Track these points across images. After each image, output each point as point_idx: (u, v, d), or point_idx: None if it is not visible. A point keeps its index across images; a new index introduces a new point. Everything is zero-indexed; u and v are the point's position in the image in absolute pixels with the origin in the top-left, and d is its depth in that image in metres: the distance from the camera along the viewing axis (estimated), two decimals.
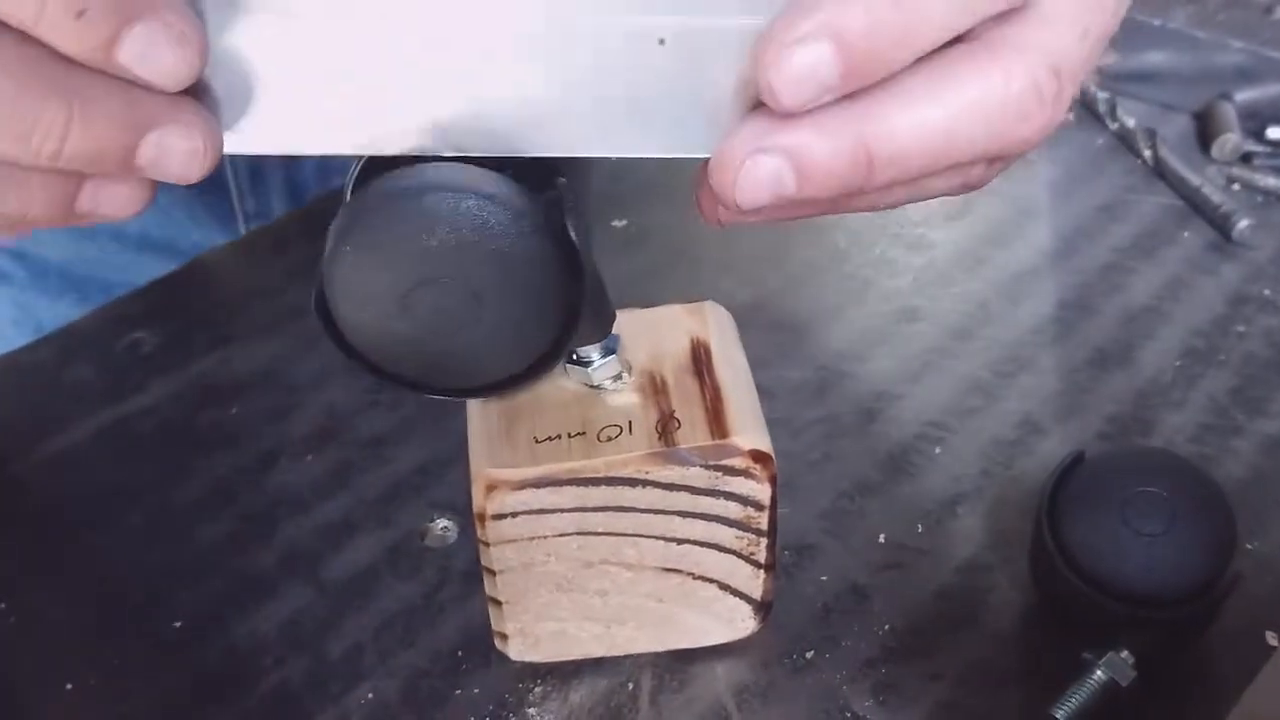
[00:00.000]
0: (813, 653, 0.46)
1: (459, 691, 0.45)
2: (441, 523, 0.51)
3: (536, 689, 0.45)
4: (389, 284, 0.34)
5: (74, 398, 0.59)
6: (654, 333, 0.43)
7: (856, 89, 0.31)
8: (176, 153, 0.31)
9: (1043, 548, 0.44)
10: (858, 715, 0.44)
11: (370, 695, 0.45)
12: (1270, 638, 0.45)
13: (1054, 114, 0.33)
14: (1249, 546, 0.48)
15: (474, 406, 0.42)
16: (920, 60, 0.31)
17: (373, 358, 0.36)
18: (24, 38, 0.29)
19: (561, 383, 0.42)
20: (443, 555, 0.50)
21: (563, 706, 0.45)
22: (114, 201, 0.33)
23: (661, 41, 0.32)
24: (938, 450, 0.53)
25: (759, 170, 0.31)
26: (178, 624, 0.48)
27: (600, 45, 0.32)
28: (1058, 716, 0.41)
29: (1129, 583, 0.42)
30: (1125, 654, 0.42)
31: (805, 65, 0.29)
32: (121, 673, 0.47)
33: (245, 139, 0.34)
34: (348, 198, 0.35)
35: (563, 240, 0.35)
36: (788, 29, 0.30)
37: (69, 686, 0.46)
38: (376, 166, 0.34)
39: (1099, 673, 0.42)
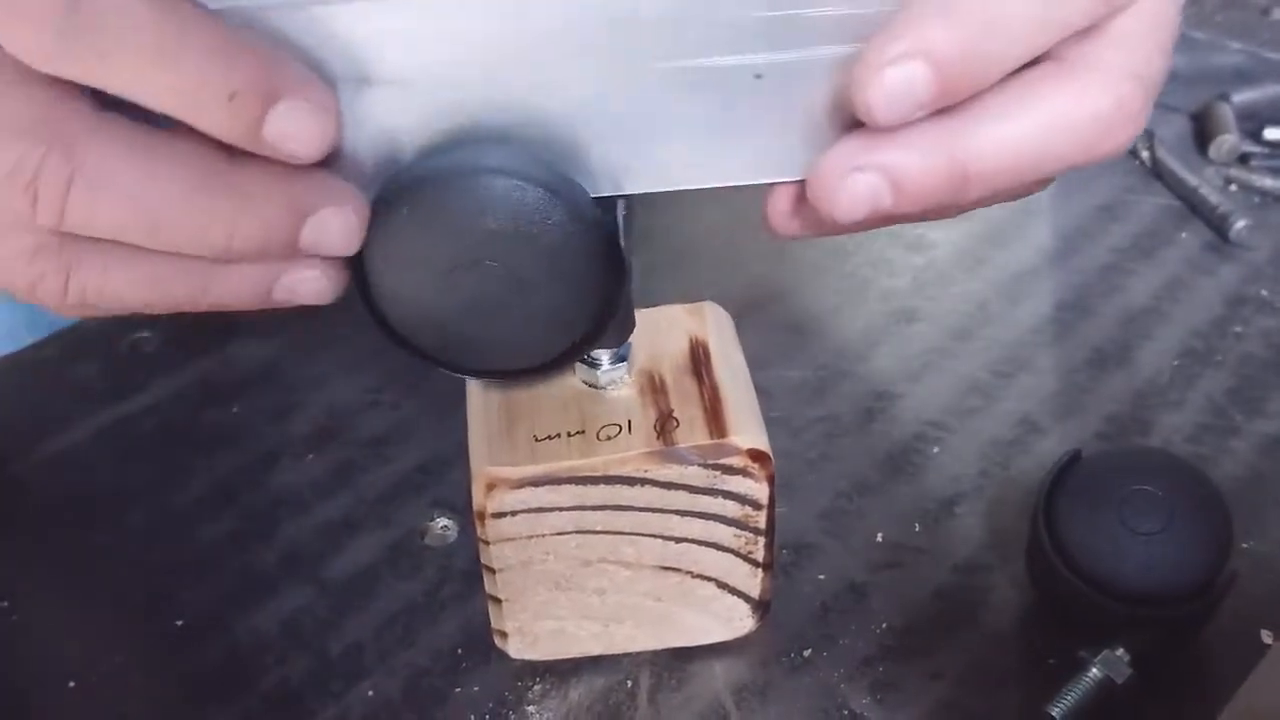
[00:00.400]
0: (811, 651, 0.46)
1: (459, 689, 0.45)
2: (442, 522, 0.51)
3: (536, 687, 0.45)
4: (437, 256, 0.34)
5: (76, 397, 0.59)
6: (653, 332, 0.43)
7: (948, 105, 0.32)
8: (333, 230, 0.33)
9: (1040, 547, 0.44)
10: (856, 714, 0.44)
11: (371, 693, 0.45)
12: (1266, 636, 0.45)
13: (1137, 126, 0.34)
14: (1245, 546, 0.48)
15: (474, 405, 0.43)
16: (1006, 78, 0.32)
17: (399, 326, 0.37)
18: (184, 135, 0.31)
19: (561, 381, 0.42)
20: (443, 554, 0.50)
21: (562, 704, 0.45)
22: (306, 286, 0.35)
23: (758, 76, 0.33)
24: (936, 450, 0.54)
25: (858, 187, 0.33)
26: (179, 622, 0.48)
27: (701, 85, 0.33)
28: (1054, 715, 0.42)
29: (1126, 582, 0.42)
30: (1121, 652, 0.42)
31: (900, 83, 0.31)
32: (124, 671, 0.47)
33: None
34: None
35: (613, 245, 0.35)
36: (882, 50, 0.31)
37: (71, 684, 0.46)
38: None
39: (1095, 671, 0.42)
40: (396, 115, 0.34)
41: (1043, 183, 0.37)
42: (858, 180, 0.33)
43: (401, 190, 0.34)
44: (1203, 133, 0.69)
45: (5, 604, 0.49)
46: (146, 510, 0.53)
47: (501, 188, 0.33)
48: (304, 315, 0.61)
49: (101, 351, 0.61)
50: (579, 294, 0.36)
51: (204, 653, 0.48)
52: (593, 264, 0.35)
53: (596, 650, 0.45)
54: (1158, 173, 0.67)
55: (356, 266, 0.35)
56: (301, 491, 0.53)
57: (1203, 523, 0.43)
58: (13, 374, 0.61)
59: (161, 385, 0.59)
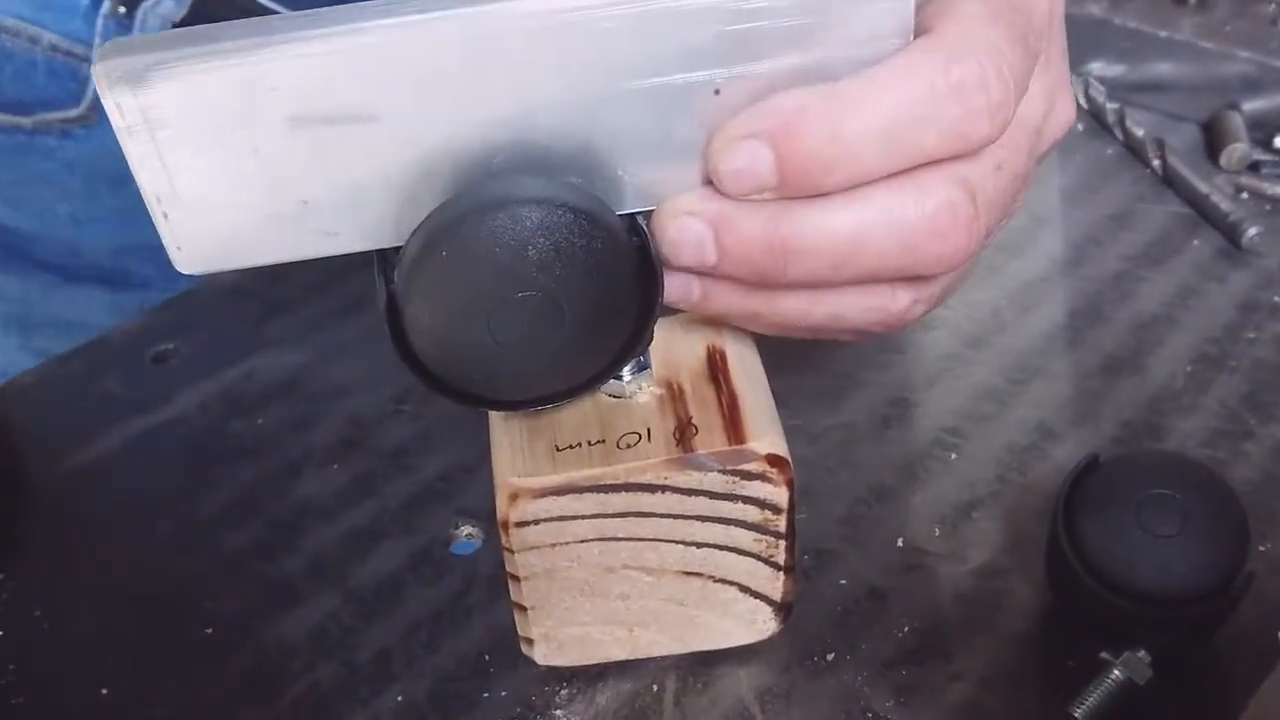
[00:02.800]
0: (833, 655, 0.47)
1: (486, 695, 0.46)
2: (466, 529, 0.52)
3: (562, 691, 0.46)
4: (477, 293, 0.35)
5: (102, 409, 0.60)
6: (671, 340, 0.44)
7: (792, 195, 0.35)
8: None
9: (1059, 550, 0.44)
10: (879, 716, 0.45)
11: (399, 698, 0.46)
12: None
13: (969, 237, 0.36)
14: (1261, 548, 0.48)
15: (495, 417, 0.43)
16: None
17: (436, 368, 0.37)
18: None
19: None
20: (468, 562, 0.51)
21: (589, 709, 0.45)
22: None
23: (717, 91, 0.34)
24: (953, 456, 0.54)
25: (688, 229, 0.36)
26: (209, 630, 0.49)
27: (665, 101, 0.34)
28: (1076, 715, 0.42)
29: (1144, 584, 0.43)
30: (1142, 654, 0.42)
31: (745, 162, 0.34)
32: (154, 678, 0.48)
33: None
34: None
35: (647, 260, 0.36)
36: (737, 124, 0.34)
37: (104, 692, 0.47)
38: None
39: (1116, 672, 0.42)
40: (405, 151, 0.34)
41: (891, 317, 0.39)
42: (687, 223, 0.36)
43: (436, 232, 0.34)
44: (1213, 141, 0.70)
45: (37, 613, 0.50)
46: (174, 520, 0.54)
47: (538, 215, 0.34)
48: (326, 327, 0.62)
49: (126, 364, 0.62)
50: (618, 310, 0.37)
51: (233, 660, 0.48)
52: (630, 279, 0.36)
53: (621, 655, 0.46)
54: (1169, 181, 0.68)
55: (392, 314, 0.36)
56: (326, 501, 0.54)
57: (1220, 525, 0.43)
58: (39, 387, 0.61)
59: (186, 397, 0.60)
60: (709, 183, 0.36)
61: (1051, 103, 0.39)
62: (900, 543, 0.51)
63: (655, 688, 0.46)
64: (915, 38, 0.34)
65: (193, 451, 0.57)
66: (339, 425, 0.58)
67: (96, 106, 0.69)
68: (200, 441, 0.58)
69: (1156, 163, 0.69)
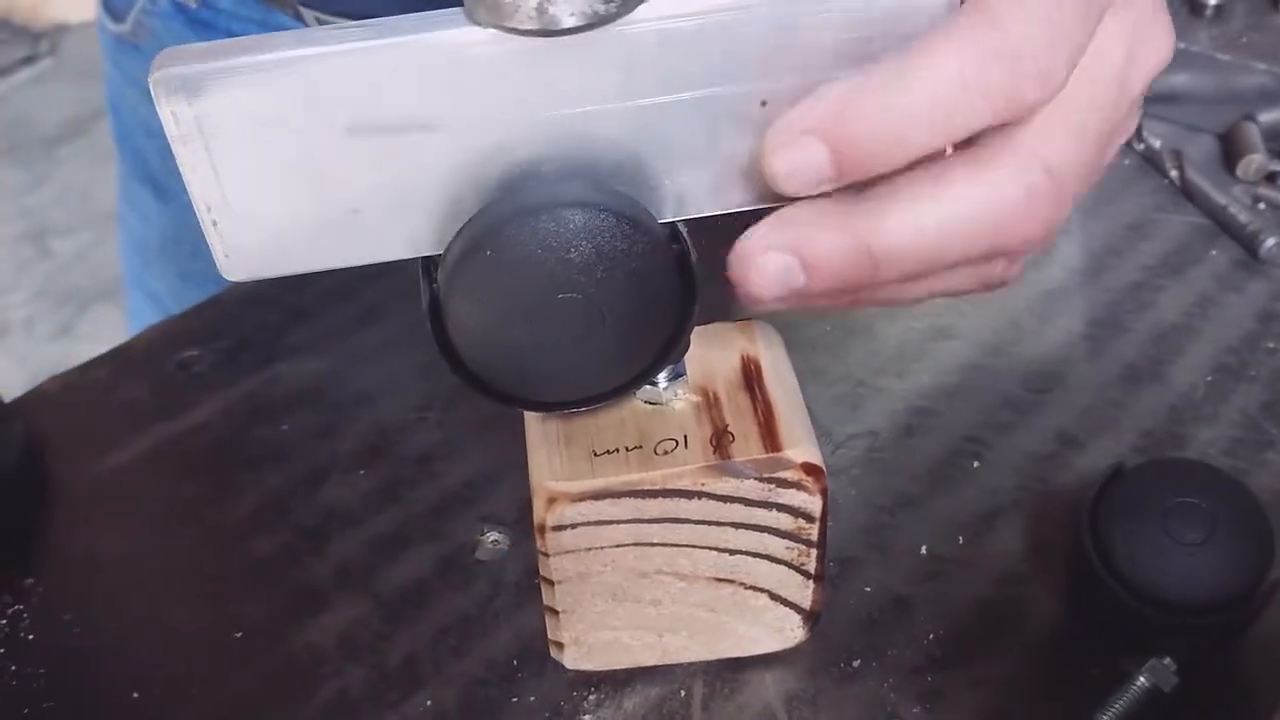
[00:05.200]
0: (859, 661, 0.47)
1: (515, 699, 0.46)
2: (492, 536, 0.52)
3: (591, 696, 0.46)
4: (519, 294, 0.35)
5: (128, 416, 0.60)
6: (705, 349, 0.44)
7: (853, 182, 0.34)
8: None
9: (1085, 558, 0.45)
10: None
11: (429, 703, 0.46)
12: None
13: (1055, 212, 0.35)
14: None
15: (532, 422, 0.44)
16: (922, 163, 0.34)
17: (476, 365, 0.37)
18: None
19: None
20: (494, 568, 0.51)
21: (616, 713, 0.46)
22: None
23: (764, 103, 0.35)
24: (975, 464, 0.55)
25: (770, 264, 0.35)
26: (238, 634, 0.49)
27: (714, 112, 0.35)
28: None
29: (1170, 591, 0.43)
30: (1168, 661, 0.43)
31: (800, 160, 0.34)
32: (184, 681, 0.48)
33: None
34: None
35: (686, 266, 0.37)
36: (786, 127, 0.34)
37: (135, 695, 0.48)
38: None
39: (1142, 680, 0.43)
40: (452, 160, 0.35)
41: (989, 283, 0.38)
42: (770, 258, 0.35)
43: (481, 234, 0.34)
44: (1229, 152, 0.70)
45: (67, 617, 0.50)
46: (201, 526, 0.54)
47: (581, 219, 0.34)
48: (349, 334, 0.63)
49: (150, 372, 0.62)
50: (657, 314, 0.37)
51: (262, 664, 0.49)
52: (670, 284, 0.36)
53: (650, 661, 0.46)
54: (1186, 191, 0.68)
55: (435, 313, 0.36)
56: (352, 507, 0.54)
57: (1244, 533, 0.44)
58: (63, 395, 0.62)
59: (210, 404, 0.60)
60: (768, 198, 0.36)
61: (1133, 45, 0.37)
62: (924, 550, 0.51)
63: (683, 693, 0.46)
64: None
65: (218, 458, 0.58)
66: (363, 432, 0.58)
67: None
68: (226, 448, 0.58)
69: (1174, 173, 0.69)
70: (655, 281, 0.36)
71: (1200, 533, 0.43)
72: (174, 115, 0.33)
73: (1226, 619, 0.43)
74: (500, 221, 0.34)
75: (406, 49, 0.33)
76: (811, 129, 0.33)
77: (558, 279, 0.35)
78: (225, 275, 0.37)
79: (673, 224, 0.37)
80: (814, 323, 0.62)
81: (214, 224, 0.35)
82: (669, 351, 0.38)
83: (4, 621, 0.50)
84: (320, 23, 0.69)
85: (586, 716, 0.46)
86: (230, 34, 0.74)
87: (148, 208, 0.85)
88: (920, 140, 0.33)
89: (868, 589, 0.50)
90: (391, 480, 0.56)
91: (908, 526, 0.52)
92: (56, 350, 2.20)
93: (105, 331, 2.19)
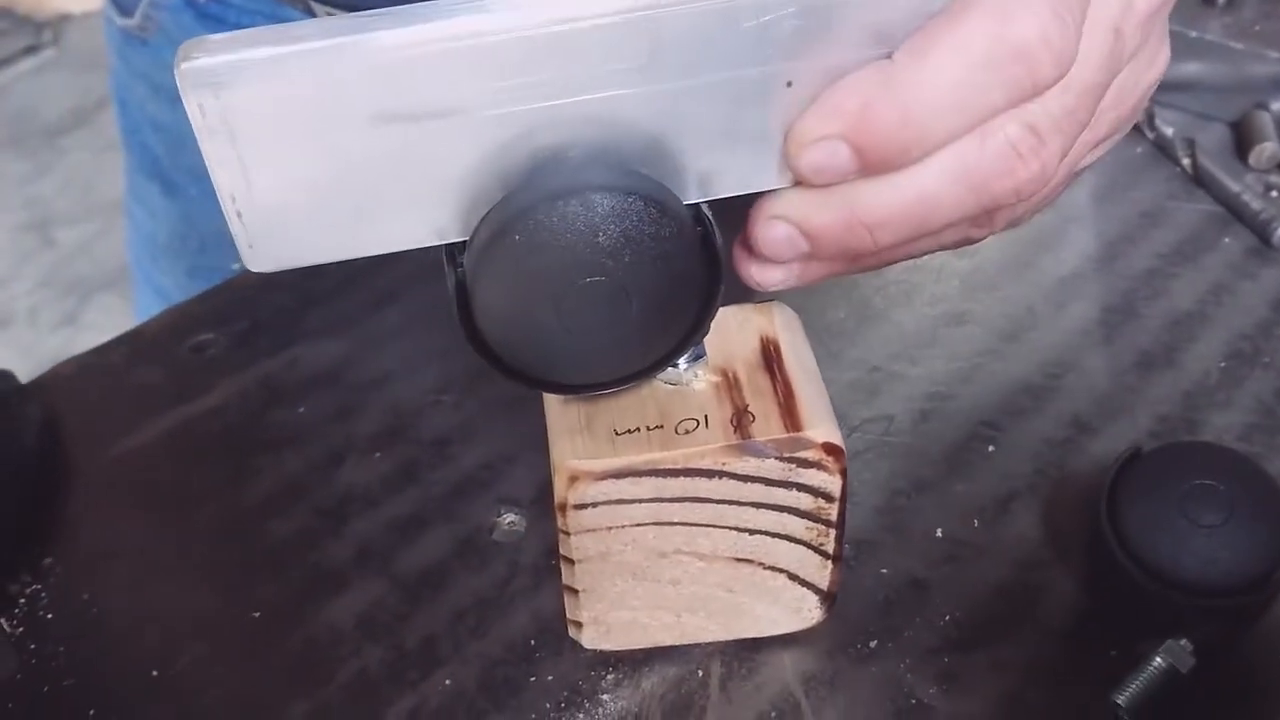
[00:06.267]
0: (876, 642, 0.47)
1: (533, 679, 0.47)
2: (509, 517, 0.52)
3: (609, 676, 0.46)
4: (546, 278, 0.35)
5: (143, 399, 0.60)
6: (725, 331, 0.44)
7: (877, 172, 0.35)
8: None
9: (1103, 541, 0.45)
10: (923, 703, 0.45)
11: (448, 682, 0.47)
12: None
13: (1040, 165, 0.36)
14: None
15: (553, 401, 0.44)
16: None
17: (503, 352, 0.38)
18: None
19: None
20: (511, 549, 0.51)
21: (635, 693, 0.46)
22: None
23: (789, 84, 0.35)
24: (990, 449, 0.55)
25: (775, 232, 0.37)
26: (256, 614, 0.50)
27: (740, 94, 0.35)
28: (1119, 702, 0.43)
29: (1188, 573, 0.43)
30: (1185, 642, 0.43)
31: (823, 159, 0.35)
32: (205, 662, 0.48)
33: None
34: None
35: (710, 248, 0.37)
36: (809, 128, 0.35)
37: (154, 674, 0.48)
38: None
39: (1159, 660, 0.43)
40: (475, 146, 0.35)
41: (974, 236, 0.39)
42: (775, 226, 0.37)
43: (509, 219, 0.35)
44: (1242, 140, 0.70)
45: (86, 596, 0.51)
46: (219, 507, 0.54)
47: (608, 203, 0.34)
48: (364, 318, 0.63)
49: (164, 355, 0.62)
50: (682, 296, 0.37)
51: (282, 645, 0.49)
52: (695, 266, 0.37)
53: (668, 641, 0.46)
54: (1199, 179, 0.69)
55: (461, 297, 0.36)
56: (370, 489, 0.55)
57: (1262, 515, 0.44)
58: (78, 378, 0.62)
59: (226, 387, 0.60)
60: (792, 179, 0.36)
61: None
62: (940, 533, 0.51)
63: (700, 673, 0.46)
64: None
65: (235, 441, 0.58)
66: (380, 415, 0.58)
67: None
68: (242, 431, 0.58)
69: (1186, 161, 0.69)
70: (681, 264, 0.36)
71: (1218, 515, 0.44)
72: (200, 107, 0.33)
73: (1245, 601, 0.43)
74: (528, 206, 0.34)
75: (430, 36, 0.33)
76: (834, 133, 0.34)
77: (584, 263, 0.35)
78: (250, 266, 0.36)
79: (697, 206, 0.37)
80: (829, 308, 0.62)
81: (239, 215, 0.35)
82: (694, 332, 0.39)
83: (23, 601, 0.50)
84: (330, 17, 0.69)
85: (604, 696, 0.46)
86: (239, 28, 0.74)
87: (155, 203, 0.85)
88: (941, 135, 0.34)
89: (885, 571, 0.50)
90: (409, 462, 0.56)
91: (924, 510, 0.52)
92: (61, 340, 2.20)
93: (109, 321, 2.19)
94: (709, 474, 0.42)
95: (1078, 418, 0.56)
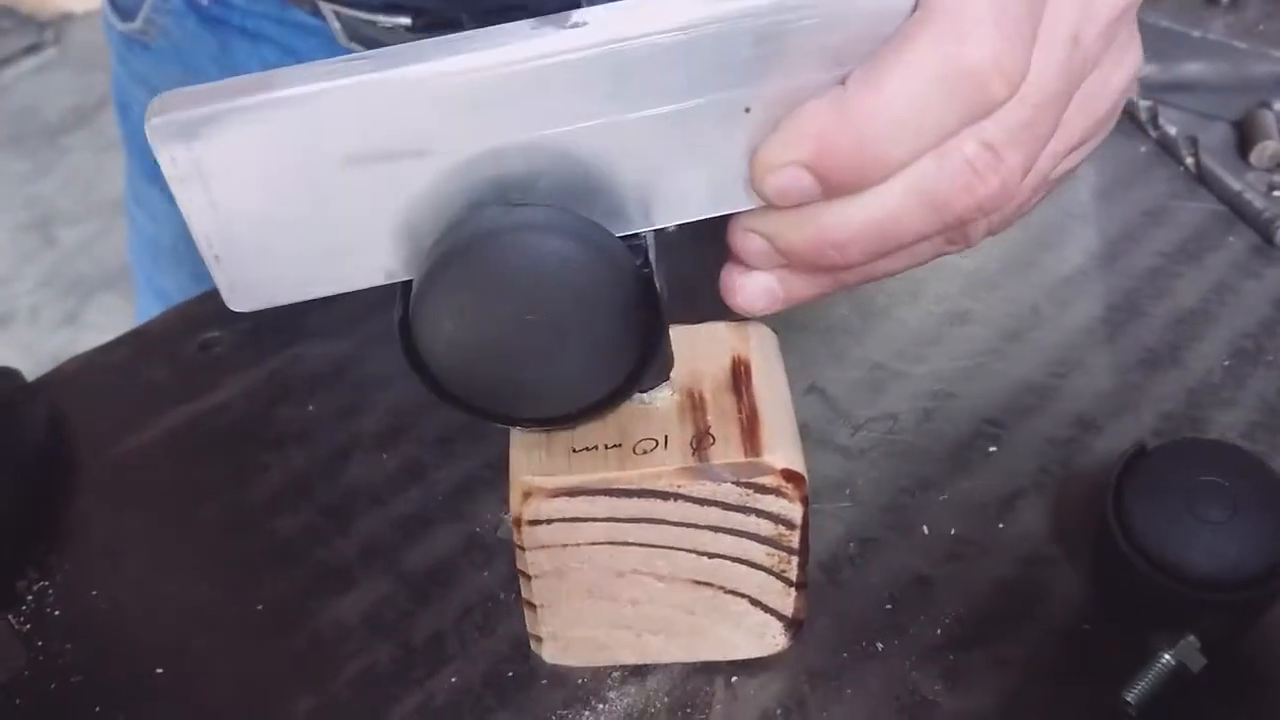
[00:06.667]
0: (881, 640, 0.47)
1: (542, 680, 0.47)
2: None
3: (615, 673, 0.47)
4: (482, 313, 0.36)
5: (149, 397, 0.60)
6: (696, 349, 0.44)
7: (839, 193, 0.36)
8: None
9: (1110, 537, 0.45)
10: (928, 700, 0.45)
11: (454, 679, 0.47)
12: None
13: (1000, 181, 0.36)
14: None
15: None
16: None
17: (446, 383, 0.38)
18: None
19: None
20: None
21: (641, 690, 0.46)
22: None
23: (747, 109, 0.35)
24: (993, 449, 0.55)
25: (750, 244, 0.38)
26: (261, 609, 0.50)
27: (699, 120, 0.35)
28: (1129, 700, 0.43)
29: (1195, 568, 0.43)
30: (1193, 639, 0.43)
31: (788, 184, 0.35)
32: (210, 658, 0.48)
33: None
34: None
35: (649, 290, 0.37)
36: (770, 155, 0.35)
37: (160, 670, 0.48)
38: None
39: (1168, 658, 0.43)
40: (442, 182, 0.35)
41: (944, 251, 0.39)
42: (750, 237, 0.37)
43: (445, 256, 0.35)
44: (1244, 140, 0.71)
45: (94, 593, 0.51)
46: (225, 505, 0.55)
47: (539, 243, 0.35)
48: (367, 317, 0.63)
49: (170, 353, 0.63)
50: (620, 340, 0.37)
51: (287, 641, 0.49)
52: (632, 310, 0.37)
53: (630, 660, 0.46)
54: (1202, 179, 0.69)
55: (403, 329, 0.37)
56: (376, 487, 0.55)
57: (1269, 511, 0.44)
58: (84, 376, 0.62)
59: (231, 385, 0.61)
60: (752, 201, 0.37)
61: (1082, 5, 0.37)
62: (945, 531, 0.51)
63: (706, 670, 0.46)
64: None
65: (241, 438, 0.58)
66: (385, 413, 0.58)
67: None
68: (248, 428, 0.58)
69: (1189, 160, 0.70)
70: (615, 307, 0.36)
71: (1224, 511, 0.44)
72: (172, 159, 0.34)
73: (1251, 596, 0.43)
74: (461, 243, 0.35)
75: (397, 81, 0.33)
76: (794, 160, 0.35)
77: (519, 301, 0.35)
78: (231, 307, 0.37)
79: (643, 245, 0.37)
80: (832, 306, 0.62)
81: (216, 259, 0.36)
82: (637, 376, 0.39)
83: (31, 598, 0.51)
84: (339, 17, 0.69)
85: (611, 694, 0.46)
86: (244, 31, 0.74)
87: (157, 207, 0.85)
88: (898, 157, 0.35)
89: (889, 569, 0.50)
90: (414, 460, 0.56)
91: (928, 508, 0.52)
92: (62, 339, 2.20)
93: (110, 320, 2.19)
94: (664, 496, 0.41)
95: (1082, 416, 0.56)
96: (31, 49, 2.94)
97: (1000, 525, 0.51)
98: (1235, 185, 0.67)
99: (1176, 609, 0.44)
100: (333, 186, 0.35)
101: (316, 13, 0.69)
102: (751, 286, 0.38)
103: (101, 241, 2.40)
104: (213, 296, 0.65)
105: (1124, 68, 0.40)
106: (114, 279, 2.28)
